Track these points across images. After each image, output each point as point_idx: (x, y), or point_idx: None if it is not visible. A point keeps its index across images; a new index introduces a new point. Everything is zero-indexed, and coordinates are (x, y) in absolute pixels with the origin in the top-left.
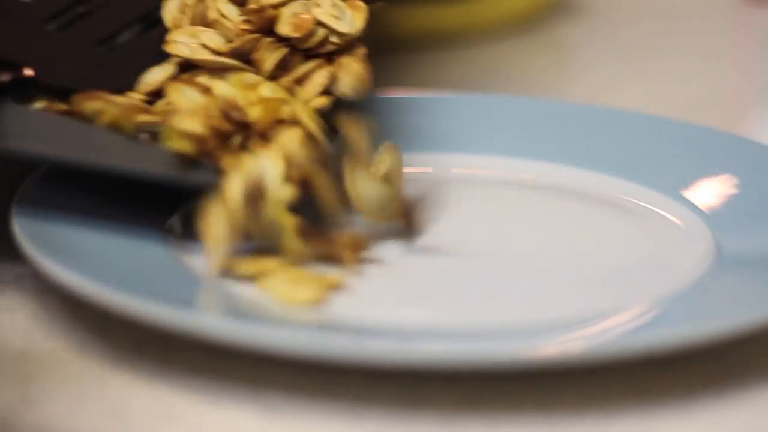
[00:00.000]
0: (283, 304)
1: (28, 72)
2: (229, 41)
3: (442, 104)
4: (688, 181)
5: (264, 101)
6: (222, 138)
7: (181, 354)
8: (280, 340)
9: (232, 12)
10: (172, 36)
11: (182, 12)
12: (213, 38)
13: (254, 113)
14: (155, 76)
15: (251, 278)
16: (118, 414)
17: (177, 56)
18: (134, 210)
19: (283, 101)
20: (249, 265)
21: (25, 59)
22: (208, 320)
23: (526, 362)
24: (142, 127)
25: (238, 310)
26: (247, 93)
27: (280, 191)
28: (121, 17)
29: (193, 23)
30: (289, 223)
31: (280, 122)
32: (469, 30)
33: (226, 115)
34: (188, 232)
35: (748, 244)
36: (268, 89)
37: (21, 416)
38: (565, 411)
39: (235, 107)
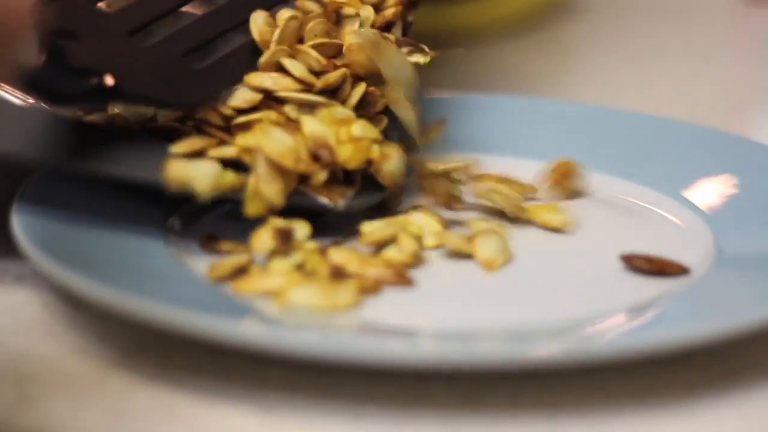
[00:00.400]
0: (320, 312)
1: (110, 80)
2: (312, 70)
3: (443, 104)
4: (688, 181)
5: (355, 141)
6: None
7: (181, 354)
8: (279, 341)
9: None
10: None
11: (269, 25)
12: (296, 66)
13: (344, 153)
14: (240, 98)
15: (269, 295)
16: (118, 414)
17: (258, 88)
18: (134, 210)
19: (375, 141)
20: (261, 283)
21: (107, 67)
22: (207, 320)
23: (526, 362)
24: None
25: (237, 311)
26: (338, 129)
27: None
28: (209, 31)
29: (282, 40)
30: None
31: (370, 163)
32: (471, 30)
33: (314, 156)
34: (188, 232)
35: (748, 244)
36: (360, 128)
37: (21, 416)
38: (565, 411)
39: (325, 146)
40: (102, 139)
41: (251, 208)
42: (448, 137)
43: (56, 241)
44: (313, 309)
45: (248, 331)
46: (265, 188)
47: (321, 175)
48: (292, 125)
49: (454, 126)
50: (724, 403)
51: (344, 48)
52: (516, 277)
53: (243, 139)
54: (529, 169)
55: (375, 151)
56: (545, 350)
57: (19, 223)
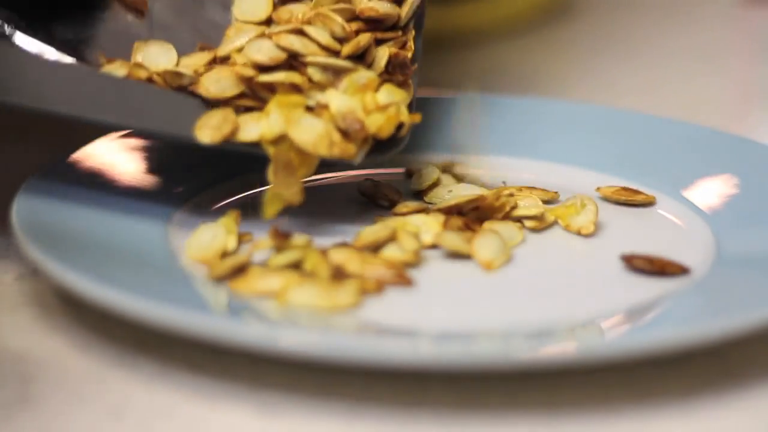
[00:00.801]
0: (321, 312)
1: None
2: (334, 36)
3: (443, 104)
4: (688, 181)
5: (383, 108)
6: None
7: (181, 354)
8: (279, 341)
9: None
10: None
11: None
12: (321, 33)
13: (375, 123)
14: (266, 53)
15: (269, 296)
16: (118, 414)
17: (286, 49)
18: (135, 209)
19: (402, 103)
20: (261, 284)
21: None
22: (207, 320)
23: (527, 362)
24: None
25: (236, 311)
26: (364, 98)
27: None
28: None
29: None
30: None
31: (401, 127)
32: (473, 30)
33: (346, 135)
34: (189, 232)
35: (748, 244)
36: (385, 94)
37: (21, 416)
38: (565, 411)
39: (355, 121)
40: (127, 93)
41: (270, 211)
42: (447, 138)
43: (56, 240)
44: (313, 309)
45: (248, 331)
46: (284, 191)
47: (352, 149)
48: (318, 108)
49: (454, 126)
50: (724, 403)
51: (358, 11)
52: (516, 278)
53: (269, 129)
54: (529, 169)
55: (404, 113)
56: (545, 350)
57: (19, 222)
